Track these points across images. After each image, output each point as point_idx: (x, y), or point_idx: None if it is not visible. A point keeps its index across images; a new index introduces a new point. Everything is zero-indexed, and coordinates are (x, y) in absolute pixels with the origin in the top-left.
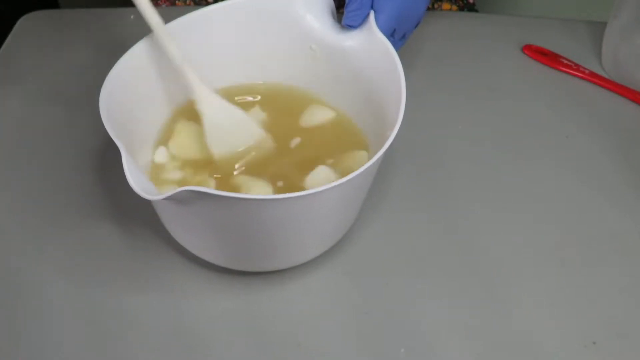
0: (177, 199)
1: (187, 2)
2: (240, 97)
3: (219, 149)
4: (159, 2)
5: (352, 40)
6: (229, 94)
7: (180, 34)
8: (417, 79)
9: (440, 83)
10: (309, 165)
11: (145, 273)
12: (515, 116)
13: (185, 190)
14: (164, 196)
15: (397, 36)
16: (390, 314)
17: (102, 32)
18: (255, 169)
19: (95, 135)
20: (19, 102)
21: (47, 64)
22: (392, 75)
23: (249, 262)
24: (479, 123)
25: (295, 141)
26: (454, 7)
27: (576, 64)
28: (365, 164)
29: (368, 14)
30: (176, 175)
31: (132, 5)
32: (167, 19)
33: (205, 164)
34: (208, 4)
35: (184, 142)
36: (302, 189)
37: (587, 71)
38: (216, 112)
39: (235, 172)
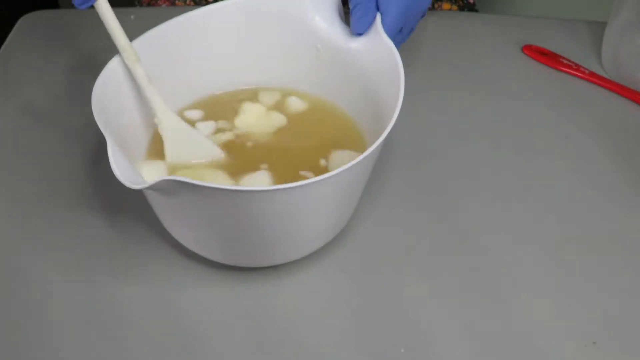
0: (161, 189)
1: (187, 2)
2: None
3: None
4: (158, 2)
5: (358, 41)
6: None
7: (179, 32)
8: (417, 79)
9: (440, 83)
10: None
11: (141, 268)
12: (515, 116)
13: (167, 180)
14: (146, 185)
15: (404, 32)
16: (389, 313)
17: (102, 32)
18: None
19: (95, 134)
20: (19, 102)
21: (47, 64)
22: (393, 75)
23: (242, 257)
24: (478, 123)
25: (294, 140)
26: (454, 7)
27: (576, 64)
28: (359, 157)
29: (374, 18)
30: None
31: (132, 5)
32: (167, 19)
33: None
34: (208, 4)
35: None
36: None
37: (587, 71)
38: (177, 135)
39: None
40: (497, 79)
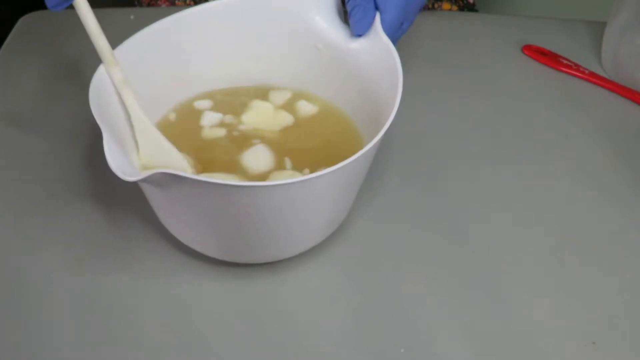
0: (155, 182)
1: (187, 1)
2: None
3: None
4: (158, 2)
5: (357, 41)
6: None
7: (178, 32)
8: (417, 79)
9: (440, 83)
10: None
11: (139, 265)
12: (515, 116)
13: (161, 173)
14: (140, 177)
15: (404, 27)
16: (389, 313)
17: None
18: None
19: (93, 133)
20: (19, 101)
21: (47, 64)
22: (392, 75)
23: (239, 253)
24: (478, 123)
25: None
26: (454, 7)
27: (576, 64)
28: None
29: (374, 18)
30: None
31: (132, 5)
32: None
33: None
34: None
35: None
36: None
37: (587, 71)
38: (151, 144)
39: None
40: (497, 79)
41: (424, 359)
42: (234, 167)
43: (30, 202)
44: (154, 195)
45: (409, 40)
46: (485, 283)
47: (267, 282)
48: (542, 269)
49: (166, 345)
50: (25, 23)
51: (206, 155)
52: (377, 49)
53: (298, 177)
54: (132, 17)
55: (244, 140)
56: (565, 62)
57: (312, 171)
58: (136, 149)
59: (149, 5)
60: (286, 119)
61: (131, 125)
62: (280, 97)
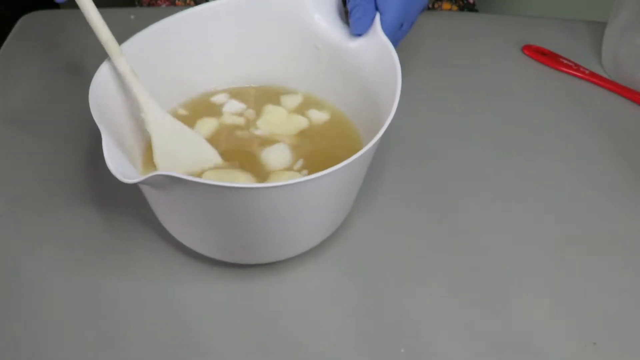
0: (154, 184)
1: (187, 1)
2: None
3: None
4: (158, 2)
5: (356, 41)
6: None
7: (178, 32)
8: (417, 79)
9: (440, 83)
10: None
11: (139, 266)
12: (515, 116)
13: (159, 175)
14: (139, 179)
15: (405, 28)
16: (388, 313)
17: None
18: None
19: (93, 134)
20: (18, 101)
21: (47, 64)
22: (391, 75)
23: (238, 254)
24: (478, 123)
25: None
26: (454, 7)
27: (576, 64)
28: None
29: (374, 18)
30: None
31: (132, 5)
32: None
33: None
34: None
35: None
36: None
37: (587, 71)
38: (168, 133)
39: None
40: (497, 79)
41: (424, 359)
42: (253, 162)
43: (30, 202)
44: (153, 197)
45: (409, 40)
46: (486, 283)
47: (267, 283)
48: (542, 269)
49: (166, 346)
50: (25, 23)
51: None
52: (376, 49)
53: (295, 179)
54: (132, 17)
55: (264, 140)
56: (565, 62)
57: (311, 172)
58: (138, 149)
59: (149, 5)
60: (302, 122)
61: (141, 121)
62: (292, 102)
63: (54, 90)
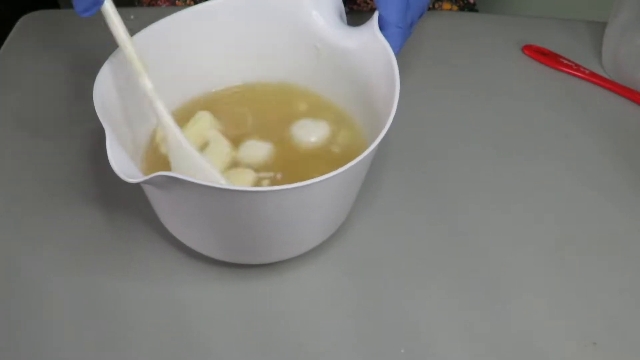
0: (156, 184)
1: (187, 1)
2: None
3: None
4: (159, 2)
5: (354, 40)
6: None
7: (178, 32)
8: (416, 79)
9: (440, 83)
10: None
11: (140, 266)
12: (515, 116)
13: (161, 175)
14: (141, 179)
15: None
16: (388, 313)
17: (102, 32)
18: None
19: (95, 133)
20: (18, 101)
21: (47, 64)
22: (389, 75)
23: (239, 254)
24: (478, 123)
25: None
26: (454, 7)
27: (576, 64)
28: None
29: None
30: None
31: (132, 5)
32: None
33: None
34: None
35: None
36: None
37: (587, 71)
38: (181, 159)
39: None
40: (497, 79)
41: (424, 359)
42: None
43: (31, 202)
44: (155, 197)
45: (409, 40)
46: (485, 284)
47: (267, 283)
48: (542, 269)
49: (167, 346)
50: (25, 23)
51: None
52: (372, 47)
53: (297, 183)
54: (132, 17)
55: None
56: (565, 62)
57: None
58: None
59: (149, 5)
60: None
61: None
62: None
63: (54, 90)
